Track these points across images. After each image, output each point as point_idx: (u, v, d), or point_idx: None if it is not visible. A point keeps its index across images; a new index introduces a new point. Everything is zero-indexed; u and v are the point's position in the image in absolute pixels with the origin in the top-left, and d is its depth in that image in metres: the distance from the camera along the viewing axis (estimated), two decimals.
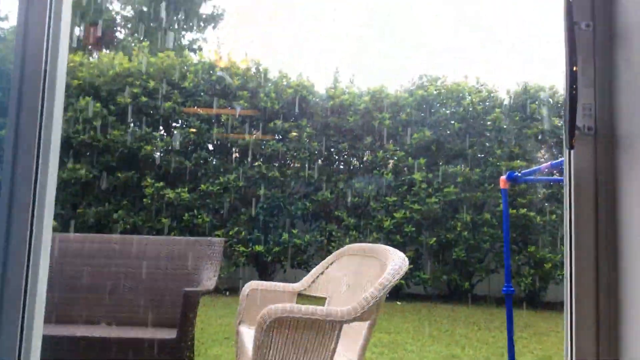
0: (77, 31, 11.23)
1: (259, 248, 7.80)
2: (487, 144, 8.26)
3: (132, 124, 8.07)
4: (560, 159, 3.03)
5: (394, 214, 7.94)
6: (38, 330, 1.12)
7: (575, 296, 1.37)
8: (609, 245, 1.36)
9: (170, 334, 2.84)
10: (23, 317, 1.09)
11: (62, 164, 7.25)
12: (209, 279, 3.29)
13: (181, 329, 2.77)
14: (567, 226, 1.45)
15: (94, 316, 3.24)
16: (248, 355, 2.40)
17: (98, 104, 7.80)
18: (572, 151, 1.39)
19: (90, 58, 9.45)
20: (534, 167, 3.34)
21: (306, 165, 8.19)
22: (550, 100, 8.39)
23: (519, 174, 3.38)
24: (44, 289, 1.12)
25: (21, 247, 1.11)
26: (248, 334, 2.83)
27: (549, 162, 3.07)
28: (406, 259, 2.56)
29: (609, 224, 1.36)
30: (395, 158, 8.20)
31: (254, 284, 3.31)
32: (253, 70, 8.51)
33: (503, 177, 3.42)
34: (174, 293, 3.33)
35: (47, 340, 1.26)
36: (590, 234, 1.38)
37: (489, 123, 8.23)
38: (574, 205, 1.41)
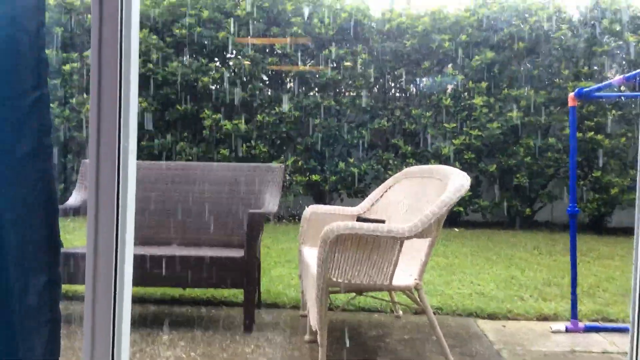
0: None
1: (316, 177, 7.90)
2: (554, 64, 7.83)
3: (188, 56, 8.13)
4: (635, 71, 2.84)
5: (453, 141, 7.79)
6: (130, 249, 1.20)
7: None
8: None
9: (238, 253, 2.97)
10: (117, 239, 1.16)
11: None
12: (271, 203, 3.39)
13: (248, 248, 2.89)
14: None
15: (166, 238, 3.43)
16: (312, 272, 2.49)
17: (155, 36, 7.88)
18: None
19: None
20: (605, 82, 3.15)
21: (362, 93, 8.07)
22: (624, 15, 7.78)
23: (589, 90, 3.21)
24: (133, 212, 1.19)
25: (110, 176, 1.16)
26: (311, 253, 2.93)
27: (622, 76, 2.89)
28: (468, 177, 2.53)
29: None
30: (455, 82, 7.94)
31: (314, 208, 3.38)
32: None
33: (572, 94, 3.25)
34: (239, 216, 3.45)
35: None
36: None
37: (555, 42, 7.76)
38: None
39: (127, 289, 1.19)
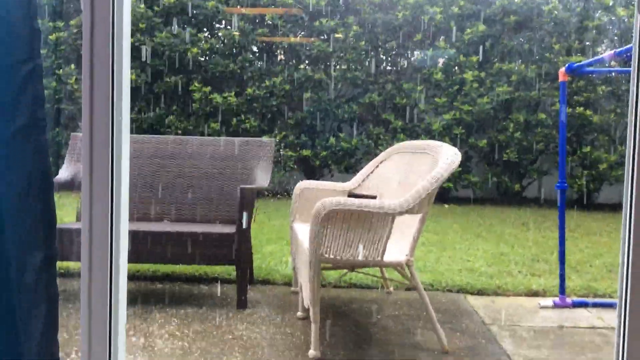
0: None
1: (307, 152, 7.87)
2: (545, 38, 7.79)
3: (177, 26, 7.98)
4: (627, 46, 2.82)
5: (444, 116, 7.77)
6: (125, 225, 1.19)
7: (637, 196, 1.31)
8: None
9: (230, 229, 2.96)
10: (112, 214, 1.14)
11: None
12: (263, 178, 3.37)
13: (240, 224, 2.88)
14: (632, 109, 1.35)
15: (157, 214, 3.41)
16: (304, 249, 2.49)
17: (142, 5, 7.71)
18: None
19: None
20: (597, 57, 3.14)
21: (353, 66, 8.00)
22: None
23: (580, 65, 3.20)
24: (127, 186, 1.17)
25: (104, 151, 1.14)
26: (302, 230, 2.93)
27: (613, 51, 2.87)
28: (458, 153, 2.53)
29: None
30: (446, 56, 7.89)
31: (305, 184, 3.37)
32: None
33: (562, 69, 3.24)
34: (230, 191, 3.44)
35: None
36: None
37: (547, 16, 7.71)
38: None
39: (123, 265, 1.18)
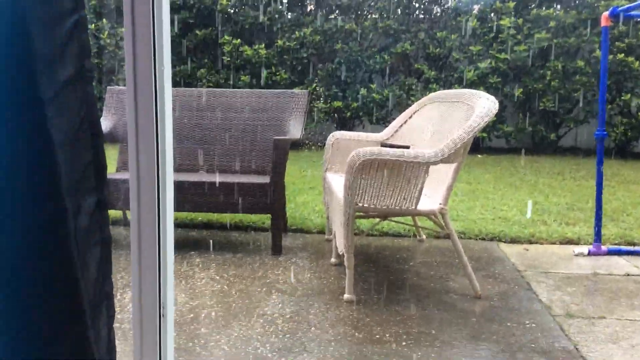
0: None
1: (338, 104, 7.83)
2: None
3: None
4: None
5: (479, 64, 7.59)
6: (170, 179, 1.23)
7: None
8: None
9: (264, 179, 3.02)
10: (158, 165, 1.18)
11: None
12: (296, 129, 3.39)
13: (274, 174, 2.94)
14: None
15: (193, 165, 3.49)
16: (338, 198, 2.53)
17: None
18: None
19: None
20: None
21: (384, 15, 7.82)
22: None
23: (624, 8, 3.07)
24: (171, 136, 1.22)
25: (148, 102, 1.17)
26: (336, 179, 2.96)
27: None
28: (496, 101, 2.49)
29: None
30: (482, 2, 7.62)
31: (338, 134, 3.38)
32: None
33: (605, 13, 3.11)
34: (264, 142, 3.48)
35: None
36: None
37: None
38: None
39: (170, 213, 1.24)
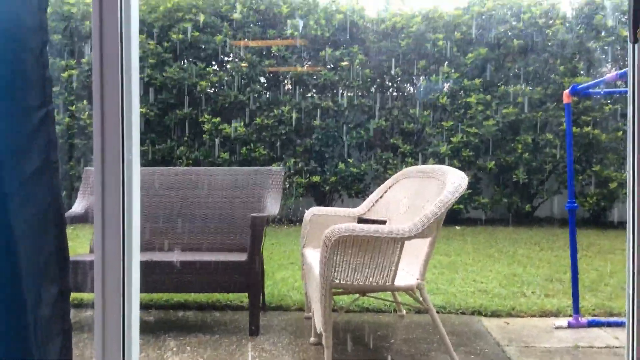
0: None
1: (316, 178, 7.92)
2: (549, 60, 7.86)
3: (186, 60, 8.15)
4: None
5: (451, 139, 7.82)
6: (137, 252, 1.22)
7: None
8: None
9: (241, 257, 2.99)
10: (124, 244, 1.18)
11: None
12: (273, 205, 3.41)
13: (251, 251, 2.92)
14: (631, 130, 1.39)
15: (168, 243, 3.45)
16: (315, 274, 2.51)
17: (152, 42, 7.90)
18: (636, 45, 1.32)
19: None
20: (599, 79, 3.18)
21: (359, 93, 8.10)
22: (617, 9, 7.81)
23: (583, 87, 3.24)
24: (138, 218, 1.22)
25: (115, 184, 1.18)
26: (313, 255, 2.95)
27: (615, 72, 2.91)
28: (465, 176, 2.56)
29: None
30: (451, 81, 7.97)
31: (315, 210, 3.41)
32: None
33: (566, 91, 3.28)
34: (241, 220, 3.48)
35: None
36: None
37: (550, 37, 7.79)
38: (637, 106, 1.35)
39: (135, 294, 1.22)
